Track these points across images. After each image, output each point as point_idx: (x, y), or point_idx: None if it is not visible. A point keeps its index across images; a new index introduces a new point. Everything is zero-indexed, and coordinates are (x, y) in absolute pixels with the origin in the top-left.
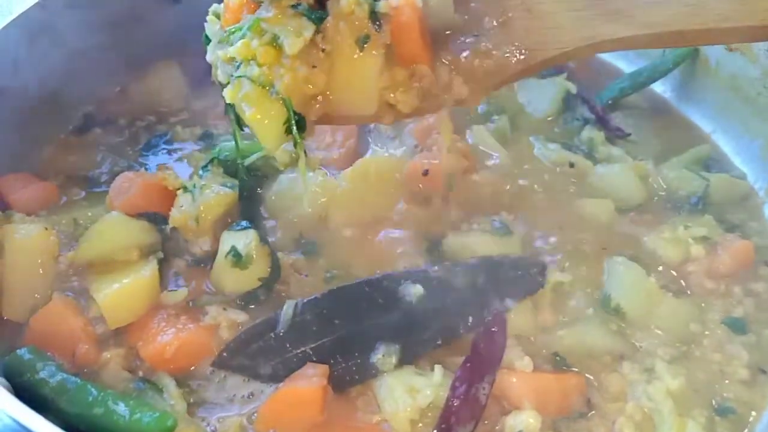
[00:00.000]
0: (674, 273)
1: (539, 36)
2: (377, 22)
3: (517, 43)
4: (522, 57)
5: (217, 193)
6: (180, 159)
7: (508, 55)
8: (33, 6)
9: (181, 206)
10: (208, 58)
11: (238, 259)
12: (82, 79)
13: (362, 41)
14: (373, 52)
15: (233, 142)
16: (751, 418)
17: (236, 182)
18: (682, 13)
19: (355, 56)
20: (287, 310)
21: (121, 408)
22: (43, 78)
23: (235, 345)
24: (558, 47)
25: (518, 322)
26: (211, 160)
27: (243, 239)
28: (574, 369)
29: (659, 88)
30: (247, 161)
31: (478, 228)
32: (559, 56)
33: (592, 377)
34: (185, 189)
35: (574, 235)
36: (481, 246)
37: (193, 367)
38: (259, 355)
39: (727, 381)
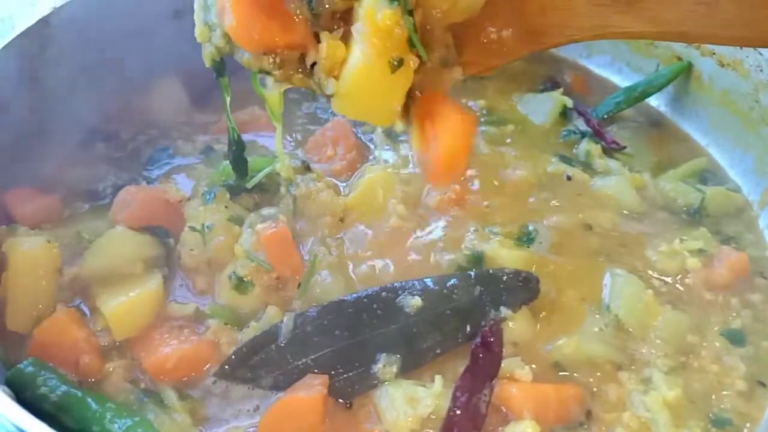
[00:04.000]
0: (672, 285)
1: (551, 17)
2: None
3: (526, 24)
4: (530, 41)
5: (228, 236)
6: (182, 172)
7: (516, 38)
8: (36, 22)
9: (191, 249)
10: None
11: (239, 282)
12: (85, 94)
13: (396, 64)
14: (404, 76)
15: None
16: (745, 430)
17: (244, 209)
18: (693, 13)
19: (384, 78)
20: (288, 322)
21: (116, 428)
22: (47, 93)
23: (237, 357)
24: (567, 34)
25: (518, 332)
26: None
27: (245, 263)
28: (573, 378)
29: (654, 102)
30: (255, 179)
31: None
32: (564, 41)
33: (590, 387)
34: (193, 228)
35: (574, 246)
36: (508, 259)
37: (195, 379)
38: (260, 366)
39: (724, 393)
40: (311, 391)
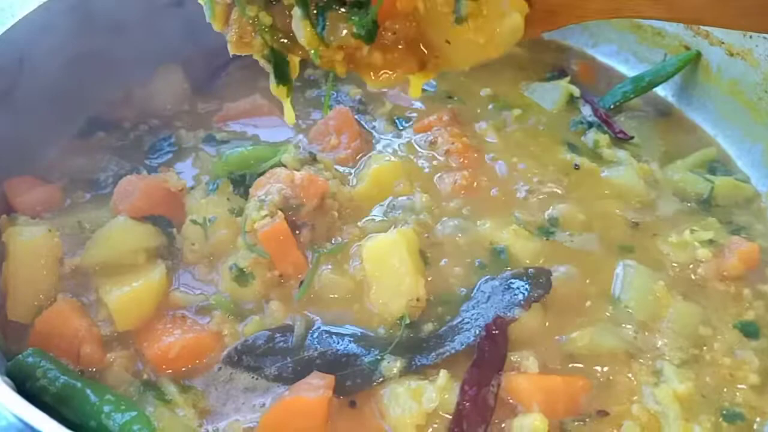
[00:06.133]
0: (683, 275)
1: None
2: None
3: (538, 3)
4: (541, 20)
5: (229, 228)
6: (184, 162)
7: (528, 17)
8: (36, 9)
9: (193, 244)
10: None
11: (239, 273)
12: (86, 83)
13: None
14: None
15: (240, 150)
16: (755, 425)
17: (244, 201)
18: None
19: None
20: (300, 326)
21: (112, 424)
22: (47, 81)
23: (243, 345)
24: (578, 14)
25: (528, 324)
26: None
27: (246, 254)
28: (584, 370)
29: (661, 92)
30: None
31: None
32: (575, 21)
33: (601, 379)
34: (194, 221)
35: (584, 238)
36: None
37: (197, 371)
38: (266, 355)
39: (736, 386)
40: (316, 393)
